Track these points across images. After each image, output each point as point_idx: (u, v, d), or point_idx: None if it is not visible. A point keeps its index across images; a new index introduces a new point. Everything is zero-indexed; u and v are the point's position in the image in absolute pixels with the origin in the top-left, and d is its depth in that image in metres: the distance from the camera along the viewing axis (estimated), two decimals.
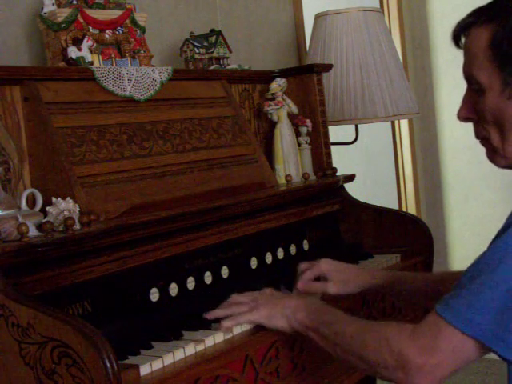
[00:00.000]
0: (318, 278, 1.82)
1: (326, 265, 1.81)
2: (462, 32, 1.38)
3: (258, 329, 1.60)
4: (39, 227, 1.57)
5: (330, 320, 1.46)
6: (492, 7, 1.35)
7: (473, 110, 1.39)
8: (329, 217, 2.40)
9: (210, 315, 1.59)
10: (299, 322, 1.51)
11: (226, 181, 2.08)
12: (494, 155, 1.38)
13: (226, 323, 1.56)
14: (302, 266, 1.84)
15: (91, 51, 1.95)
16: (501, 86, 1.32)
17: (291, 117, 2.40)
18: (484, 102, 1.35)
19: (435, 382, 1.29)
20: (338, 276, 1.78)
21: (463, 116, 1.41)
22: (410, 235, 2.32)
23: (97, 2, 2.02)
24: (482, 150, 1.43)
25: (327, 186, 2.36)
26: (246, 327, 1.61)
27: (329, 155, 2.48)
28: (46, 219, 1.59)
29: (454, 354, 1.28)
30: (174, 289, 1.78)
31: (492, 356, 1.32)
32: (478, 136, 1.41)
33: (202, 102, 2.17)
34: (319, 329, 1.46)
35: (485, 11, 1.36)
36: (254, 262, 2.04)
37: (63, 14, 1.94)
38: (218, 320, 1.62)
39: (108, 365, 1.23)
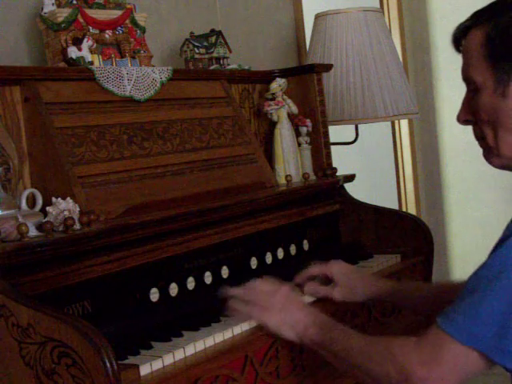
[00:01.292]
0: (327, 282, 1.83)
1: (336, 267, 1.82)
2: (461, 36, 1.39)
3: (258, 329, 1.60)
4: (39, 227, 1.57)
5: (337, 336, 1.48)
6: (488, 9, 1.37)
7: (471, 112, 1.39)
8: (329, 217, 2.40)
9: (230, 292, 1.63)
10: (309, 338, 1.53)
11: (226, 181, 2.08)
12: (489, 155, 1.39)
13: (240, 308, 1.60)
14: (314, 264, 1.85)
15: (91, 51, 1.95)
16: (494, 85, 1.33)
17: (291, 117, 2.40)
18: (479, 101, 1.35)
19: None
20: (345, 282, 1.79)
21: (462, 118, 1.42)
22: (409, 235, 2.32)
23: (97, 2, 2.02)
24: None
25: (327, 185, 2.36)
26: (246, 327, 1.61)
27: (329, 155, 2.48)
28: (46, 219, 1.59)
29: (457, 366, 1.28)
30: (173, 289, 1.78)
31: None
32: (476, 137, 1.42)
33: (201, 102, 2.17)
34: (328, 345, 1.48)
35: (481, 13, 1.37)
36: (254, 262, 2.04)
37: (63, 13, 1.94)
38: (218, 319, 1.63)
39: (108, 365, 1.23)
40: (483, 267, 1.29)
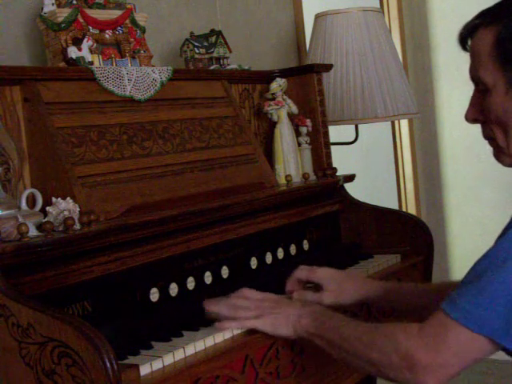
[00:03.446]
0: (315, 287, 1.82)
1: (323, 272, 1.80)
2: (468, 34, 1.39)
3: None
4: (39, 227, 1.57)
5: (335, 325, 1.47)
6: (497, 8, 1.36)
7: (480, 111, 1.39)
8: (329, 217, 2.39)
9: (211, 308, 1.60)
10: (304, 329, 1.51)
11: (226, 181, 2.08)
12: (500, 154, 1.39)
13: (229, 324, 1.56)
14: (302, 267, 1.84)
15: (91, 51, 1.95)
16: (505, 86, 1.33)
17: (291, 117, 2.40)
18: (489, 103, 1.35)
19: (443, 382, 1.29)
20: (333, 286, 1.77)
21: (471, 117, 1.42)
22: (409, 235, 2.32)
23: (97, 2, 2.02)
24: (482, 149, 1.44)
25: (327, 185, 2.36)
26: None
27: (329, 155, 2.48)
28: (46, 219, 1.59)
29: (462, 352, 1.27)
30: (173, 289, 1.78)
31: (492, 356, 1.32)
32: (485, 136, 1.42)
33: (202, 102, 2.17)
34: (325, 334, 1.47)
35: (490, 13, 1.36)
36: (254, 262, 2.04)
37: (63, 13, 1.94)
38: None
39: (108, 365, 1.23)
40: (489, 253, 1.29)
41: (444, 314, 1.29)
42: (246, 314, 1.58)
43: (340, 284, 1.77)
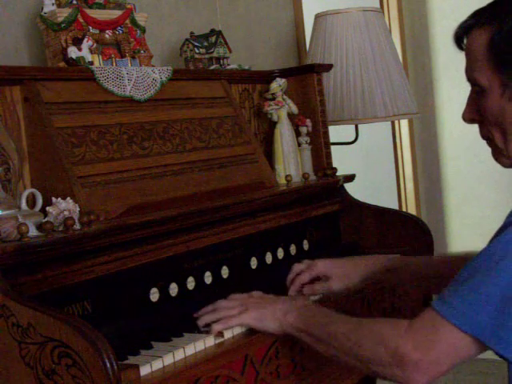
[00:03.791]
0: (315, 279, 1.82)
1: (322, 264, 1.80)
2: (463, 34, 1.39)
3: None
4: (39, 227, 1.57)
5: (322, 321, 1.46)
6: (491, 9, 1.36)
7: (477, 111, 1.39)
8: (329, 217, 2.40)
9: (201, 322, 1.59)
10: (291, 324, 1.50)
11: (226, 181, 2.08)
12: (498, 156, 1.40)
13: (216, 327, 1.55)
14: (297, 267, 1.84)
15: (91, 51, 1.95)
16: (500, 88, 1.33)
17: (291, 117, 2.40)
18: (486, 104, 1.35)
19: (432, 378, 1.30)
20: (338, 271, 1.78)
21: (468, 117, 1.42)
22: (410, 235, 2.32)
23: (97, 2, 2.02)
24: (482, 149, 1.44)
25: (327, 185, 2.36)
26: (245, 328, 1.61)
27: (329, 155, 2.48)
28: (46, 219, 1.59)
29: (451, 350, 1.28)
30: (174, 289, 1.78)
31: (492, 356, 1.32)
32: (482, 136, 1.42)
33: (201, 102, 2.18)
34: (312, 330, 1.46)
35: (484, 13, 1.36)
36: (253, 262, 2.04)
37: (63, 13, 1.94)
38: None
39: (108, 365, 1.23)
40: (483, 253, 1.29)
41: (434, 311, 1.29)
42: (228, 312, 1.58)
43: (344, 268, 1.78)
